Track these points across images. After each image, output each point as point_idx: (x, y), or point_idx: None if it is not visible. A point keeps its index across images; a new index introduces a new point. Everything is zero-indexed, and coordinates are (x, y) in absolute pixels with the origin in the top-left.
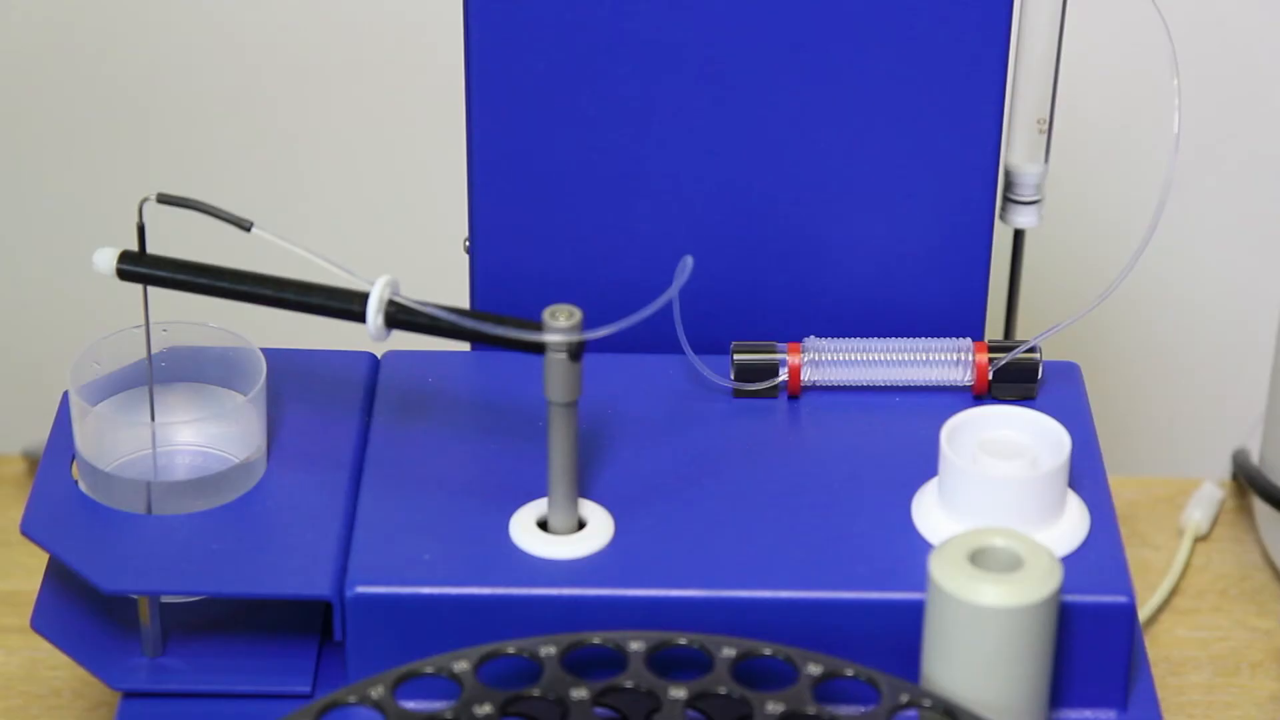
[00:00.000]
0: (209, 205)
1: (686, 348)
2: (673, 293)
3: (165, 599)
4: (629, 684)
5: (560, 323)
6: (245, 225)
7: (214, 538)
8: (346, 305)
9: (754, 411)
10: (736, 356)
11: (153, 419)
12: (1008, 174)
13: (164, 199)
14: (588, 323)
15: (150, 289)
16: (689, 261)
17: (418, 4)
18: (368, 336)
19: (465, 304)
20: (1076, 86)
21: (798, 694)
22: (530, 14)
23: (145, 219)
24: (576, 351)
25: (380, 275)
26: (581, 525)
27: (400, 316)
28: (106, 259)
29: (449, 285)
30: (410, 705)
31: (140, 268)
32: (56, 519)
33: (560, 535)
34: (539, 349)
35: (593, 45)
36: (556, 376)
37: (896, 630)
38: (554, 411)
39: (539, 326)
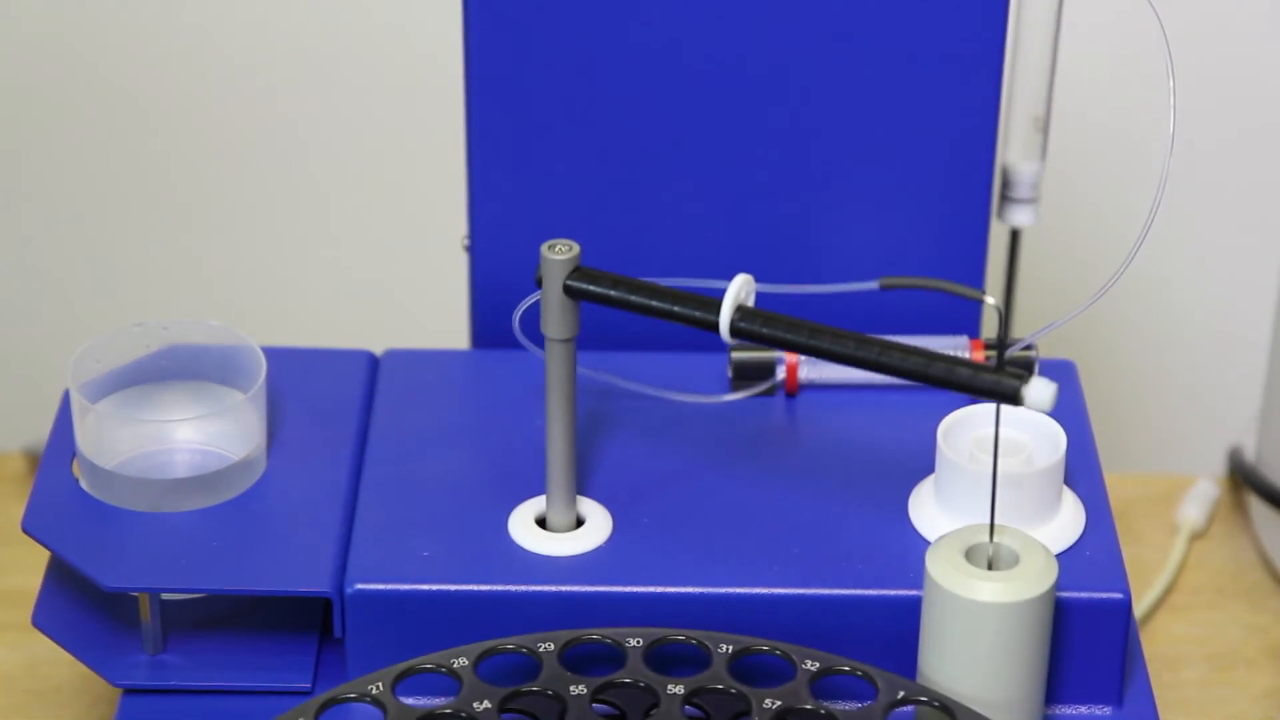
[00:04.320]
0: (940, 283)
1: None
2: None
3: (166, 596)
4: (627, 680)
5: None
6: (979, 297)
7: (214, 535)
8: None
9: (751, 410)
10: (734, 355)
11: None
12: (1004, 172)
13: (888, 284)
14: (589, 322)
15: None
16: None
17: (417, 4)
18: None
19: (465, 304)
20: (1073, 85)
21: (795, 690)
22: (529, 14)
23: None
24: (575, 291)
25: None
26: (580, 522)
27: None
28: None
29: (449, 285)
30: (410, 701)
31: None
32: (57, 516)
33: (559, 532)
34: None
35: (592, 45)
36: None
37: (893, 626)
38: (551, 349)
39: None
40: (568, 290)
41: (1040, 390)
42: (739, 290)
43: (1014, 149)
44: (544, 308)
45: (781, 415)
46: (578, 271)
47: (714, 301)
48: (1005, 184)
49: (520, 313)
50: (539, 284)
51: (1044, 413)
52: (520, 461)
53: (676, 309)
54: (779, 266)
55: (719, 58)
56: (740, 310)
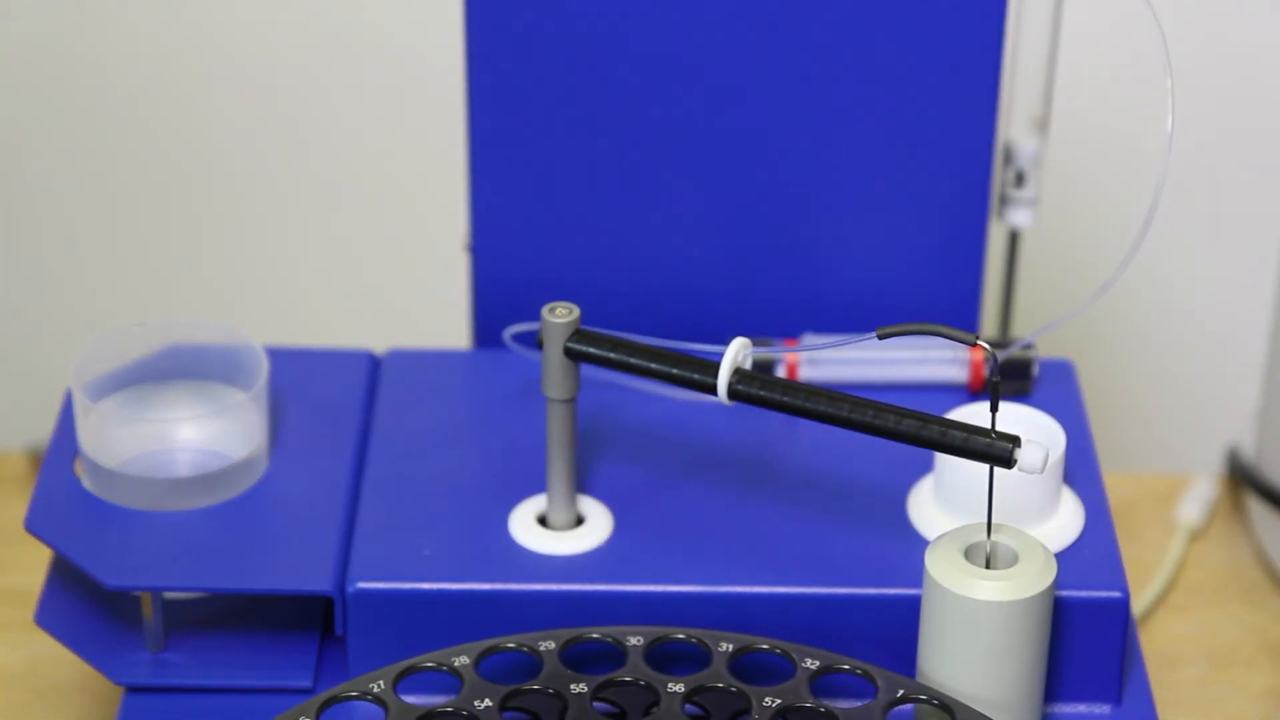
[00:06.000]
0: (936, 328)
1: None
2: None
3: (168, 595)
4: (628, 678)
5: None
6: (972, 341)
7: (216, 534)
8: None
9: (751, 409)
10: None
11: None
12: (1004, 172)
13: (885, 334)
14: (587, 321)
15: None
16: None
17: (417, 5)
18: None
19: (465, 304)
20: (1073, 85)
21: (795, 688)
22: (529, 15)
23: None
24: (575, 354)
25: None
26: (580, 521)
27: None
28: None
29: (449, 285)
30: (411, 700)
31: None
32: (60, 515)
33: (559, 531)
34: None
35: (592, 46)
36: (554, 373)
37: (893, 625)
38: (551, 409)
39: None
40: (568, 353)
41: (1032, 454)
42: (736, 354)
43: (1014, 147)
44: (545, 370)
45: (781, 414)
46: (578, 334)
47: (712, 365)
48: (1005, 183)
49: (512, 332)
50: (540, 345)
51: (1035, 474)
52: (521, 460)
53: (675, 372)
54: (779, 265)
55: (718, 55)
56: (738, 373)
